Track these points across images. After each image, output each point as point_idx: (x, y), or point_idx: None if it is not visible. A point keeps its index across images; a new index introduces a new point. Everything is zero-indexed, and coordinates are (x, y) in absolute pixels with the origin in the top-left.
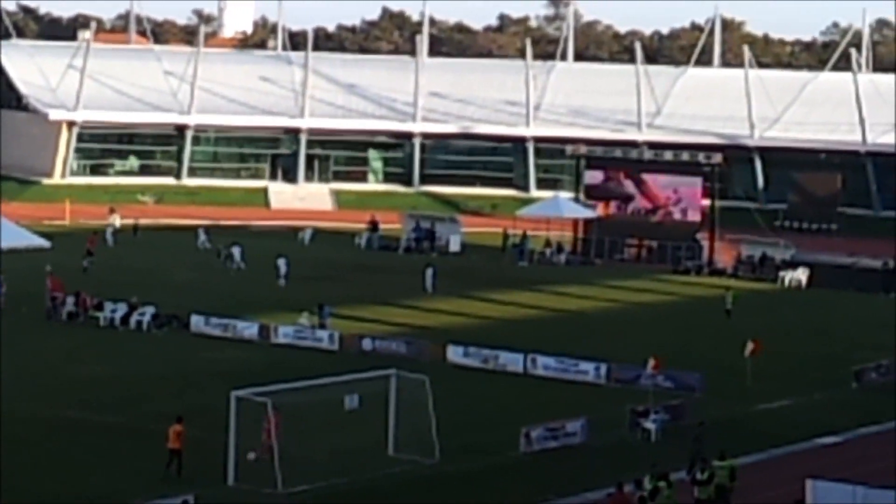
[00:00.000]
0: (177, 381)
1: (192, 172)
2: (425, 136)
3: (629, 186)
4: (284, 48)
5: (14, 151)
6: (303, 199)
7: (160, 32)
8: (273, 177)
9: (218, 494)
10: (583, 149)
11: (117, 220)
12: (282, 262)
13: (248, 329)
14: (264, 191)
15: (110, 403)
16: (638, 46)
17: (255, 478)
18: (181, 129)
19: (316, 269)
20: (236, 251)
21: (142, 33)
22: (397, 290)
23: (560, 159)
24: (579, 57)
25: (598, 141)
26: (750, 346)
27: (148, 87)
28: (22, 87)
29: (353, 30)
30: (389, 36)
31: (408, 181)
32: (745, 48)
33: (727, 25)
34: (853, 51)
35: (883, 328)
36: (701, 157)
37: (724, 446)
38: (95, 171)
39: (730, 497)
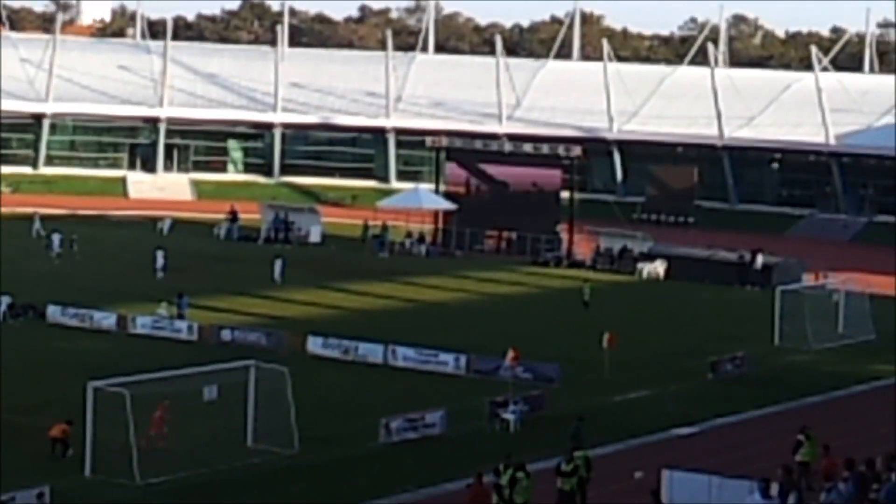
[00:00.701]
0: (33, 371)
1: (50, 161)
2: (286, 126)
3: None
4: (143, 37)
5: None
6: (162, 188)
7: (16, 19)
8: (132, 166)
9: (74, 486)
10: (443, 140)
11: None
12: (159, 255)
13: (105, 319)
14: (123, 180)
15: None
16: (498, 39)
17: (112, 469)
18: (38, 117)
19: (174, 259)
20: (55, 238)
21: None
22: (257, 280)
23: (420, 151)
24: (440, 49)
25: (458, 133)
26: (607, 337)
27: (4, 74)
28: None
29: (212, 19)
30: (250, 26)
31: (268, 172)
32: (604, 42)
33: (586, 19)
34: (710, 45)
35: (738, 320)
36: (560, 149)
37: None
38: None
39: (587, 487)
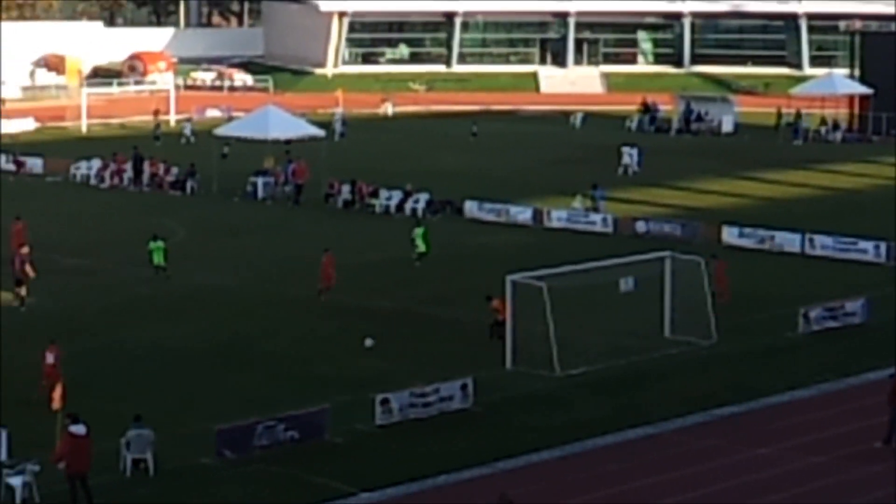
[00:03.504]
0: (452, 266)
1: (462, 59)
2: (695, 15)
3: None
4: None
5: (287, 43)
6: (573, 82)
7: None
8: (542, 61)
9: (496, 377)
10: (858, 24)
11: (390, 108)
12: (626, 150)
13: (521, 214)
14: (534, 75)
15: (384, 288)
16: None
17: (532, 361)
18: (450, 16)
19: (587, 152)
20: (187, 127)
21: None
22: (670, 171)
23: (834, 35)
24: None
25: (873, 16)
26: None
27: None
28: None
29: None
30: None
31: (678, 62)
32: None
33: None
34: None
35: None
36: None
37: None
38: (367, 59)
39: None
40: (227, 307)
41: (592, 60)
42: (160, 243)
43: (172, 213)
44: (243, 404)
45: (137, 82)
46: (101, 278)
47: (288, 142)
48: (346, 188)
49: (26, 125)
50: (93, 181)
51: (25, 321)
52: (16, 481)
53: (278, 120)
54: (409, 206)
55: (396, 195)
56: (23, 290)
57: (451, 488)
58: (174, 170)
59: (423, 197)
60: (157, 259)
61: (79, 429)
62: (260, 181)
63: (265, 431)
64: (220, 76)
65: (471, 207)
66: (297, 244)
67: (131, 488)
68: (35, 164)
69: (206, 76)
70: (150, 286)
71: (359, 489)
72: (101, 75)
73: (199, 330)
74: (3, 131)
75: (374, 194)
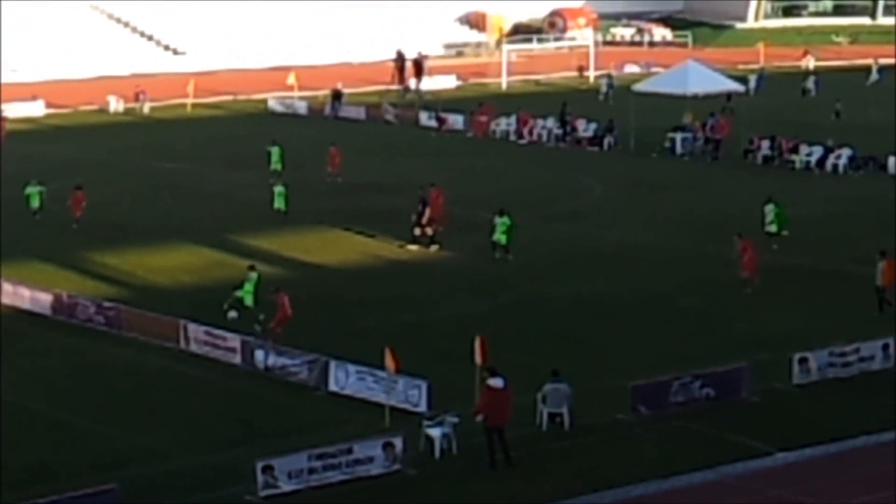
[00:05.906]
0: (873, 223)
1: (888, 11)
2: None
3: None
4: None
5: None
6: None
7: None
8: None
9: None
10: None
11: (811, 62)
12: None
13: None
14: None
15: (803, 246)
16: None
17: None
18: None
19: None
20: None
21: None
22: None
23: None
24: None
25: None
26: None
27: None
28: None
29: None
30: None
31: None
32: None
33: None
34: None
35: None
36: None
37: None
38: (788, 13)
39: None
40: (645, 263)
41: None
42: (506, 219)
43: (590, 168)
44: (659, 360)
45: (557, 39)
46: (516, 233)
47: (729, 97)
48: (765, 143)
49: (448, 82)
50: (512, 137)
51: (445, 275)
52: (435, 432)
53: (698, 75)
54: (830, 161)
55: (817, 151)
56: (426, 231)
57: (871, 450)
58: (592, 125)
59: (846, 153)
60: (500, 236)
61: (497, 382)
62: (679, 137)
63: (681, 388)
64: (640, 31)
65: (894, 163)
66: (715, 200)
67: (547, 442)
68: (457, 120)
69: (625, 32)
70: (567, 242)
71: (776, 448)
72: (522, 32)
73: (616, 285)
74: (426, 88)
75: (795, 150)
